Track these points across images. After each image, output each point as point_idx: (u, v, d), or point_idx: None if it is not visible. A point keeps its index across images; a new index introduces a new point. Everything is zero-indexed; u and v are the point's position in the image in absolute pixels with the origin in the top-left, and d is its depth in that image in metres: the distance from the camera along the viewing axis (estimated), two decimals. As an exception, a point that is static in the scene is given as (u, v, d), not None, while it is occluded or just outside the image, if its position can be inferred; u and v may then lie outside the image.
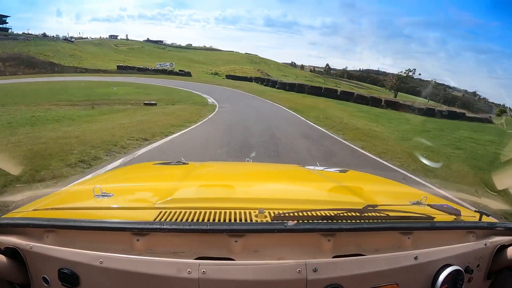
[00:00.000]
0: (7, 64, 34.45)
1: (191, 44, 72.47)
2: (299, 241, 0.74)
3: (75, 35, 59.24)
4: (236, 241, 0.72)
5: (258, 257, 0.72)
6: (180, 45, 70.76)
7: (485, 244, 0.82)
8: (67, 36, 55.94)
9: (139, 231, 0.71)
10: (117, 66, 41.97)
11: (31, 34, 51.23)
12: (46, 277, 0.70)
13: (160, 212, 0.80)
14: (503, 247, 0.83)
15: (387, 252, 0.75)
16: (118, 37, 64.74)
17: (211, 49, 71.14)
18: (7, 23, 50.71)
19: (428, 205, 0.92)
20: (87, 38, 60.50)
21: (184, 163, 1.55)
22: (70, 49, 48.85)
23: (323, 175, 1.48)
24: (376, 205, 0.83)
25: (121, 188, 1.16)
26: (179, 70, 42.28)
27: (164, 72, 41.13)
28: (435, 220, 0.82)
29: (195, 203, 0.90)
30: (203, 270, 0.66)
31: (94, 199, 0.90)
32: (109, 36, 64.00)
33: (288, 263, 0.68)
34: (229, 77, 41.34)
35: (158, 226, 0.71)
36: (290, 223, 0.72)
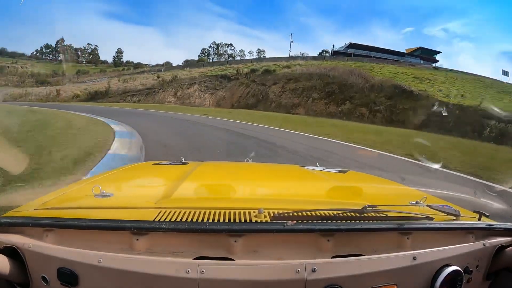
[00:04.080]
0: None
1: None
2: (298, 241, 0.75)
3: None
4: (235, 241, 0.72)
5: (257, 257, 0.72)
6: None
7: (484, 245, 0.82)
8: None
9: (138, 230, 0.72)
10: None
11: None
12: (45, 277, 0.70)
13: (160, 212, 0.80)
14: (502, 248, 0.83)
15: (386, 253, 0.75)
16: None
17: None
18: (438, 61, 35.03)
19: (428, 205, 0.92)
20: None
21: (183, 163, 1.56)
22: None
23: (322, 175, 1.48)
24: (375, 206, 0.83)
25: (120, 187, 1.16)
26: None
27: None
28: (434, 220, 0.82)
29: (194, 203, 0.90)
30: (202, 270, 0.66)
31: (93, 199, 0.90)
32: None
33: (287, 263, 0.68)
34: None
35: (157, 226, 0.71)
36: (289, 223, 0.72)
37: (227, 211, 0.82)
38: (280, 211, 0.78)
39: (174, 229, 0.71)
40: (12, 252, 0.72)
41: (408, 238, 0.78)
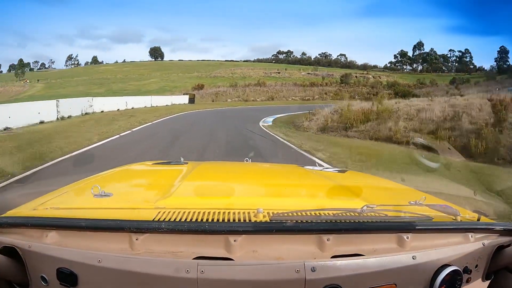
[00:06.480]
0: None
1: None
2: (298, 241, 0.74)
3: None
4: (235, 241, 0.72)
5: (256, 257, 0.72)
6: None
7: (484, 245, 0.82)
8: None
9: (138, 230, 0.72)
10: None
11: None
12: (45, 277, 0.70)
13: (159, 212, 0.80)
14: (501, 248, 0.83)
15: (385, 252, 0.75)
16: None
17: None
18: None
19: (427, 205, 0.92)
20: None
21: (183, 163, 1.56)
22: None
23: (321, 175, 1.48)
24: (375, 205, 0.83)
25: (120, 187, 1.16)
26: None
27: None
28: (433, 220, 0.82)
29: (194, 202, 0.90)
30: (202, 270, 0.66)
31: (93, 199, 0.90)
32: None
33: (287, 263, 0.68)
34: None
35: (156, 226, 0.71)
36: (289, 223, 0.72)
37: (227, 211, 0.82)
38: (279, 211, 0.77)
39: (173, 229, 0.71)
40: (11, 252, 0.72)
41: (407, 238, 0.78)
